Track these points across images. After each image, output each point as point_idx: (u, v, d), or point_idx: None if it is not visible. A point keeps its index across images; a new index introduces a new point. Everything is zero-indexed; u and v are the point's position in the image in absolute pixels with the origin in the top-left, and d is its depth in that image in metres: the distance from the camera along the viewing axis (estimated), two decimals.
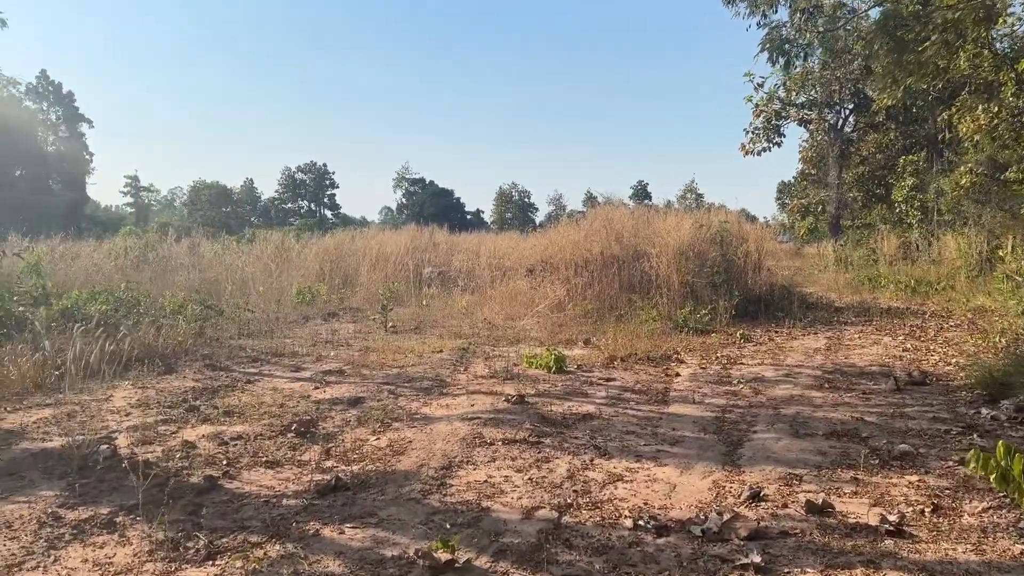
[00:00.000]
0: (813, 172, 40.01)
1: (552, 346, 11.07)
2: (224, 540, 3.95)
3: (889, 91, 18.03)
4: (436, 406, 7.11)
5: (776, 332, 12.99)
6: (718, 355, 10.52)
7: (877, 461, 5.42)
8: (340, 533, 4.05)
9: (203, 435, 5.89)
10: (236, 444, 5.68)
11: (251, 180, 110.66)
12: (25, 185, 70.70)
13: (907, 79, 15.31)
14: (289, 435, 5.92)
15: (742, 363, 9.97)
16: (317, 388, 7.84)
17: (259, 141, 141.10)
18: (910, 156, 30.14)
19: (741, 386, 8.42)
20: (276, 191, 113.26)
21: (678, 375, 9.14)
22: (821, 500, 4.49)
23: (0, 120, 62.98)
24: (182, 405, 6.89)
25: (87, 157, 76.88)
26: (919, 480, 4.97)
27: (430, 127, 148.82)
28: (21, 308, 9.71)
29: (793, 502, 4.58)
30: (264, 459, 5.37)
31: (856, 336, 12.54)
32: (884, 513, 4.33)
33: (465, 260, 19.62)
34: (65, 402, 7.02)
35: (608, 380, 8.65)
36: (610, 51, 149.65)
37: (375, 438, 5.96)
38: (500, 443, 5.71)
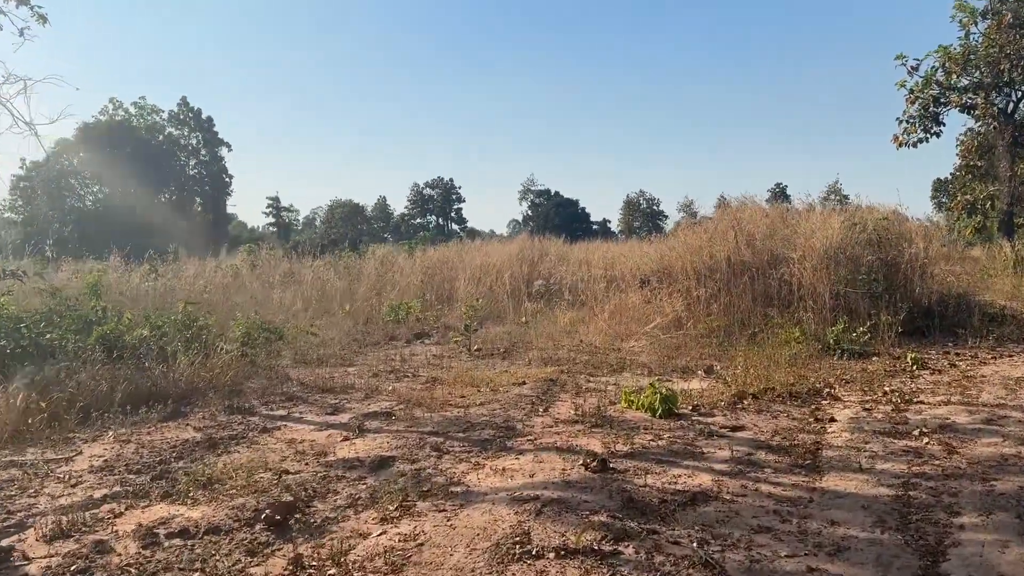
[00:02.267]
0: (979, 164, 35.25)
1: (663, 376, 8.90)
2: None
3: None
4: (487, 471, 5.15)
5: (958, 355, 10.18)
6: (885, 389, 7.99)
7: None
8: None
9: (141, 525, 4.19)
10: (173, 545, 3.93)
11: (384, 198, 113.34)
12: (170, 208, 74.78)
13: None
14: (258, 527, 4.13)
15: (920, 401, 7.43)
16: (346, 439, 6.06)
17: (390, 159, 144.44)
18: None
19: (926, 439, 5.97)
20: (405, 207, 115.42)
21: (833, 420, 6.76)
22: None
23: (145, 145, 66.69)
24: (152, 470, 5.26)
25: (227, 179, 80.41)
26: None
27: (557, 136, 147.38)
28: (50, 335, 8.56)
29: None
30: None
31: None
32: None
33: (573, 271, 17.61)
34: (17, 463, 5.57)
35: (734, 429, 6.41)
36: (741, 48, 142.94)
37: (379, 532, 4.07)
38: (552, 555, 3.67)
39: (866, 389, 8.09)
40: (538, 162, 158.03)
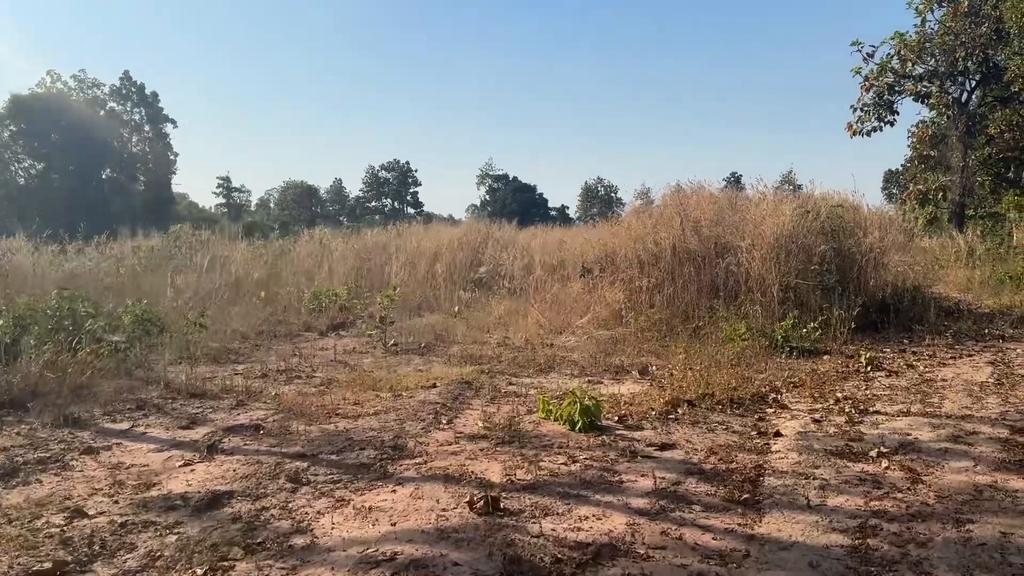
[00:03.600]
0: (931, 154, 35.02)
1: (595, 378, 7.93)
2: None
3: None
4: (348, 513, 4.08)
5: (915, 354, 9.40)
6: (838, 395, 7.11)
7: None
8: None
9: None
10: None
11: (340, 180, 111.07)
12: (110, 186, 71.76)
13: None
14: None
15: (877, 411, 6.56)
16: (186, 464, 4.92)
17: (350, 141, 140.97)
18: None
19: (885, 463, 5.07)
20: (361, 189, 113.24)
21: (778, 435, 5.84)
22: None
23: (84, 121, 63.72)
24: None
25: (172, 157, 77.51)
26: None
27: (519, 121, 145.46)
28: None
29: None
30: None
31: None
32: None
33: (516, 258, 16.56)
34: None
35: (664, 448, 5.44)
36: (698, 32, 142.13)
37: None
38: None
39: (816, 395, 7.20)
40: (500, 148, 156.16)
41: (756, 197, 14.13)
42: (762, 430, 6.01)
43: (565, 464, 5.00)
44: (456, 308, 13.20)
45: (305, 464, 4.88)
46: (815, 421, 6.25)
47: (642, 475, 4.80)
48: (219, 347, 9.33)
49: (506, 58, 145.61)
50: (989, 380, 7.79)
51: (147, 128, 75.53)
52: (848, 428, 6.00)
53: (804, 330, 9.83)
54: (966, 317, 12.29)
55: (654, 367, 8.33)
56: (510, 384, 7.66)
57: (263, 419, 6.08)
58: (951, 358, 9.15)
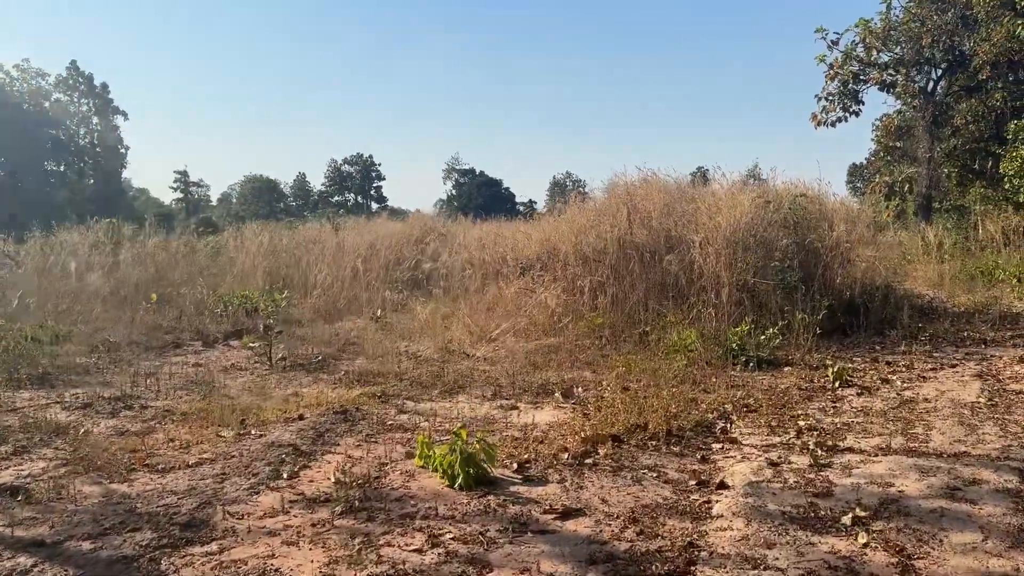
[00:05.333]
0: (897, 145, 34.14)
1: (511, 399, 6.52)
2: None
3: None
4: None
5: (890, 364, 8.10)
6: (800, 424, 5.75)
7: None
8: None
9: None
10: None
11: (303, 175, 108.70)
12: (57, 178, 68.86)
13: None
14: None
15: (849, 447, 5.20)
16: None
17: (315, 135, 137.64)
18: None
19: (863, 538, 3.68)
20: (323, 184, 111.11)
21: (723, 487, 4.45)
22: None
23: (21, 110, 60.91)
24: None
25: (122, 151, 74.67)
26: None
27: (484, 118, 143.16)
28: None
29: None
30: None
31: (1021, 369, 7.66)
32: None
33: (454, 253, 15.06)
34: None
35: (566, 516, 4.00)
36: (660, 20, 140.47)
37: None
38: None
39: (774, 423, 5.83)
40: (469, 143, 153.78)
41: (713, 187, 12.79)
42: (703, 478, 4.61)
43: (419, 550, 3.53)
44: (379, 311, 11.67)
45: (31, 562, 3.35)
46: (771, 464, 4.86)
47: (523, 569, 3.35)
48: (64, 364, 7.72)
49: (479, 49, 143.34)
50: (980, 400, 6.48)
51: (95, 120, 72.53)
52: (813, 475, 4.63)
53: (762, 337, 8.49)
54: (942, 317, 11.09)
55: (580, 389, 6.86)
56: (402, 412, 6.20)
57: (38, 475, 4.54)
58: (931, 369, 7.86)
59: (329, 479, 4.51)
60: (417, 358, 8.50)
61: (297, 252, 15.82)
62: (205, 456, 4.91)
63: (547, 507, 4.11)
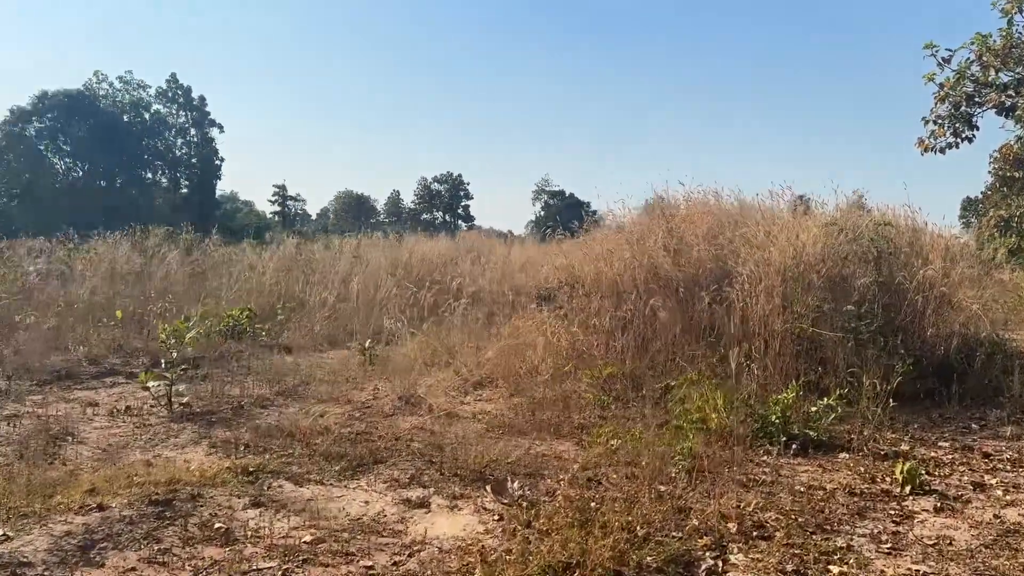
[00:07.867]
0: (1016, 176, 30.53)
1: (425, 490, 4.72)
2: None
3: None
4: None
5: (988, 457, 5.87)
6: (832, 571, 3.72)
7: None
8: None
9: None
10: None
11: (397, 192, 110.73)
12: (154, 188, 71.25)
13: None
14: None
15: None
16: None
17: (408, 155, 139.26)
18: None
19: None
20: (412, 201, 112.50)
21: None
22: None
23: (115, 119, 63.12)
24: None
25: (217, 163, 76.73)
26: None
27: (577, 137, 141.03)
28: None
29: None
30: None
31: None
32: None
33: (481, 276, 13.37)
34: None
35: None
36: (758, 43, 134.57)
37: None
38: None
39: (791, 567, 3.80)
40: (559, 164, 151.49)
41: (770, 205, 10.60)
42: None
43: None
44: (367, 342, 10.02)
45: None
46: None
47: None
48: None
49: (585, 81, 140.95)
50: None
51: (193, 132, 74.74)
52: None
53: (815, 408, 6.40)
54: None
55: (516, 484, 4.88)
56: (256, 504, 4.46)
57: None
58: None
59: None
60: (365, 409, 6.78)
61: (306, 270, 14.44)
62: None
63: None
